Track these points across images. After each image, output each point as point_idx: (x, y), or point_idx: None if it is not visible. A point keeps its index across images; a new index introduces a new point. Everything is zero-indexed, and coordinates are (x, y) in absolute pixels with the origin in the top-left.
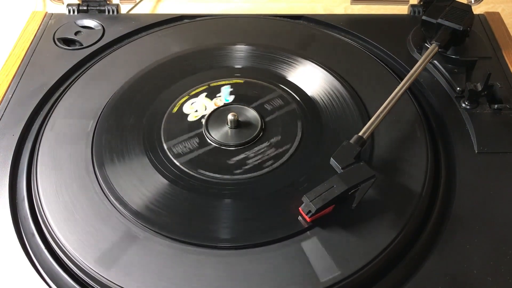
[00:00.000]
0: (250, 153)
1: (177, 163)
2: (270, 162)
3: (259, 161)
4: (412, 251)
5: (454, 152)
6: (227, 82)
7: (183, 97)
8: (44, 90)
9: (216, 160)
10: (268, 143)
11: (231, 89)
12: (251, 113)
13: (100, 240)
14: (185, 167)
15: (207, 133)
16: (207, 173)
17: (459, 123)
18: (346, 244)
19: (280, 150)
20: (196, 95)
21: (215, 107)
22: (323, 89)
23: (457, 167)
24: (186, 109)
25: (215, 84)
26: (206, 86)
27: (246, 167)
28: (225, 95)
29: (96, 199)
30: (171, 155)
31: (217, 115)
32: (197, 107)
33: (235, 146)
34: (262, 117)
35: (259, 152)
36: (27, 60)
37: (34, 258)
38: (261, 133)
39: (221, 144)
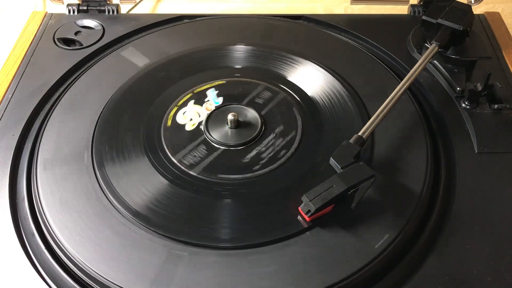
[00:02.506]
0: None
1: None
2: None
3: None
4: (412, 251)
5: (454, 152)
6: (209, 85)
7: (171, 109)
8: (44, 90)
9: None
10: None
11: (217, 91)
12: (251, 113)
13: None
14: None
15: (207, 133)
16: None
17: (459, 123)
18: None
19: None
20: (185, 104)
21: (208, 111)
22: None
23: (457, 167)
24: (180, 119)
25: (199, 89)
26: (191, 94)
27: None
28: (213, 98)
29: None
30: (180, 164)
31: (217, 116)
32: (190, 115)
33: (236, 146)
34: (262, 116)
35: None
36: (27, 60)
37: (34, 258)
38: (261, 133)
39: (221, 144)
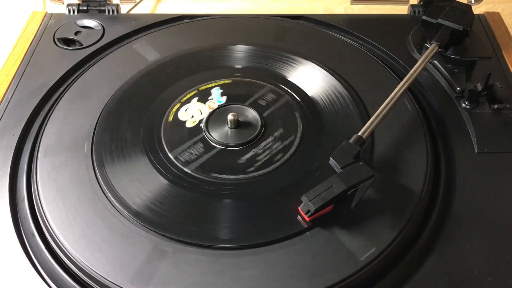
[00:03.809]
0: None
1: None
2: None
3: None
4: (412, 251)
5: (454, 152)
6: (215, 84)
7: (175, 105)
8: (44, 90)
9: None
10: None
11: (221, 90)
12: (251, 113)
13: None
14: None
15: (207, 133)
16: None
17: (459, 123)
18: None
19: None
20: (188, 100)
21: (210, 110)
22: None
23: (457, 167)
24: (181, 116)
25: (204, 87)
26: (195, 91)
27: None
28: (217, 97)
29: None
30: (177, 161)
31: (217, 116)
32: (192, 112)
33: (236, 146)
34: (262, 116)
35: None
36: (27, 60)
37: (34, 258)
38: (261, 133)
39: (221, 144)
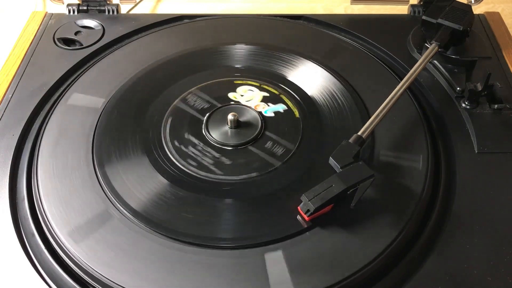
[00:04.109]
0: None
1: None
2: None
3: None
4: (412, 251)
5: (454, 152)
6: (290, 104)
7: (256, 82)
8: (44, 90)
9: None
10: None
11: (282, 111)
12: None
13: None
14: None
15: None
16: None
17: (459, 123)
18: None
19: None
20: (262, 89)
21: (252, 108)
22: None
23: (457, 167)
24: (240, 89)
25: (283, 96)
26: (276, 92)
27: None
28: (272, 109)
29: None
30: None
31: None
32: (246, 95)
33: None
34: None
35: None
36: (27, 60)
37: (34, 258)
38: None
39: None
